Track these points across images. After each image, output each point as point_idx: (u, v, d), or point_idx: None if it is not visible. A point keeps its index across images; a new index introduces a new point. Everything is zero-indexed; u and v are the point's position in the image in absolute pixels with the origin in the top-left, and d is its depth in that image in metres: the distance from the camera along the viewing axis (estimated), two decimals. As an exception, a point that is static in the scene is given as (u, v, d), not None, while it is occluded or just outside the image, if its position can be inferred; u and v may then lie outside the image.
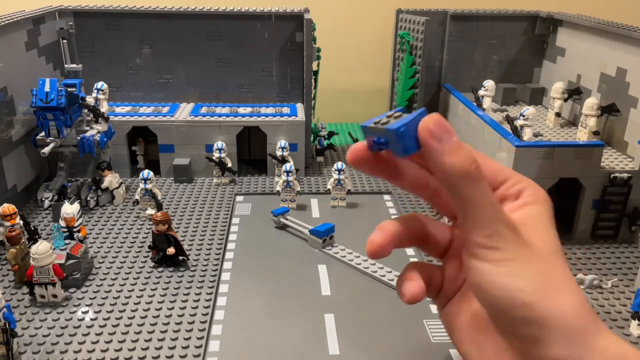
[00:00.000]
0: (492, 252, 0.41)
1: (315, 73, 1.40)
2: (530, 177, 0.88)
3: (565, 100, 1.30)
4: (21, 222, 0.91)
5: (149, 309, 0.80)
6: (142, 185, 1.08)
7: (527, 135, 1.09)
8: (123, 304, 0.82)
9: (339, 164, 1.14)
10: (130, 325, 0.77)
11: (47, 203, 1.12)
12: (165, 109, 1.34)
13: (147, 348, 0.72)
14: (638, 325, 0.77)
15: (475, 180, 0.40)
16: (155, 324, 0.77)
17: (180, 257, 0.92)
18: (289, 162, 1.22)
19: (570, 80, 1.34)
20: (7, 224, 0.88)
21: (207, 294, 0.84)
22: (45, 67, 1.27)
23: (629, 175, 0.98)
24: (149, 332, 0.75)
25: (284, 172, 1.12)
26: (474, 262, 0.41)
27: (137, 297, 0.83)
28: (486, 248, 0.40)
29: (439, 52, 1.46)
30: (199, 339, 0.74)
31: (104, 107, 1.17)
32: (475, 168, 0.40)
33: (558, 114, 1.31)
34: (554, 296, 0.39)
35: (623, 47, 1.13)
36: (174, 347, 0.72)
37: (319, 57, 1.37)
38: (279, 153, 1.25)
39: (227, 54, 1.39)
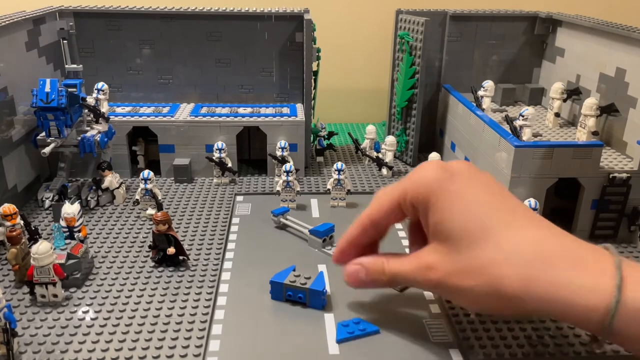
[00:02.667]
0: (432, 272, 0.64)
1: (315, 73, 1.41)
2: (529, 177, 0.95)
3: (565, 100, 1.31)
4: (22, 222, 0.91)
5: (149, 309, 0.81)
6: (142, 185, 1.09)
7: (526, 135, 1.09)
8: (123, 304, 0.82)
9: (338, 164, 1.14)
10: (130, 324, 0.77)
11: (47, 203, 1.12)
12: (166, 109, 1.35)
13: (148, 347, 0.72)
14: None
15: (377, 281, 0.72)
16: (156, 323, 0.77)
17: (181, 257, 0.92)
18: (289, 162, 1.22)
19: (570, 80, 1.34)
20: (8, 223, 0.88)
21: (207, 293, 0.84)
22: (46, 68, 1.27)
23: (628, 175, 0.98)
24: (149, 332, 0.75)
25: (284, 172, 1.12)
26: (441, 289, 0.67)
27: (138, 296, 0.84)
28: (427, 277, 0.65)
29: (439, 52, 1.46)
30: (199, 338, 0.74)
31: (104, 108, 1.17)
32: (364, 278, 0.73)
33: (557, 114, 1.31)
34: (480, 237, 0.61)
35: (622, 47, 1.14)
36: (174, 347, 0.72)
37: (319, 58, 1.37)
38: (279, 153, 1.26)
39: (227, 55, 1.39)
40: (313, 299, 0.80)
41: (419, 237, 0.72)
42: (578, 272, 0.56)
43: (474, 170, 0.67)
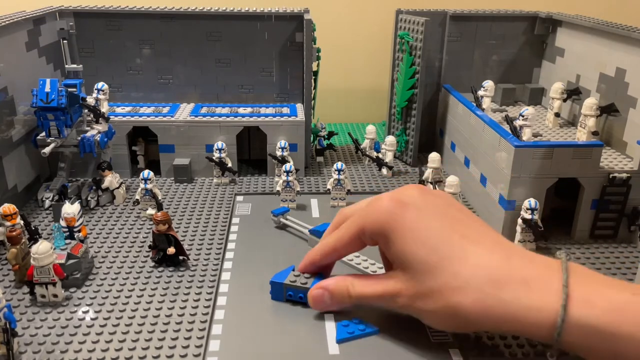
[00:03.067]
0: (399, 299, 0.70)
1: (315, 73, 1.41)
2: (529, 177, 0.95)
3: (565, 100, 1.31)
4: (22, 222, 0.91)
5: (149, 309, 0.81)
6: (142, 185, 1.09)
7: (526, 135, 1.09)
8: (123, 304, 0.82)
9: (338, 164, 1.14)
10: (130, 324, 0.77)
11: (47, 203, 1.12)
12: (166, 109, 1.35)
13: (148, 347, 0.72)
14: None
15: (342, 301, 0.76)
16: (156, 323, 0.77)
17: (181, 257, 0.92)
18: (289, 162, 1.22)
19: (570, 80, 1.34)
20: (8, 223, 0.88)
21: (207, 293, 0.84)
22: (46, 68, 1.27)
23: (628, 175, 0.99)
24: (149, 332, 0.75)
25: (284, 172, 1.12)
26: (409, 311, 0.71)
27: (138, 296, 0.84)
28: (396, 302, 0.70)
29: (439, 52, 1.46)
30: (199, 338, 0.74)
31: (104, 108, 1.17)
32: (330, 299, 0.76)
33: (557, 114, 1.31)
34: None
35: (622, 47, 1.14)
36: (174, 347, 0.72)
37: (319, 58, 1.37)
38: (279, 153, 1.26)
39: (227, 55, 1.39)
40: None
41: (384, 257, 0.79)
42: (526, 291, 0.61)
43: (425, 197, 0.71)
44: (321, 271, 0.81)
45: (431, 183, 1.16)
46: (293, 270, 0.83)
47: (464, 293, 0.63)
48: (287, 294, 0.81)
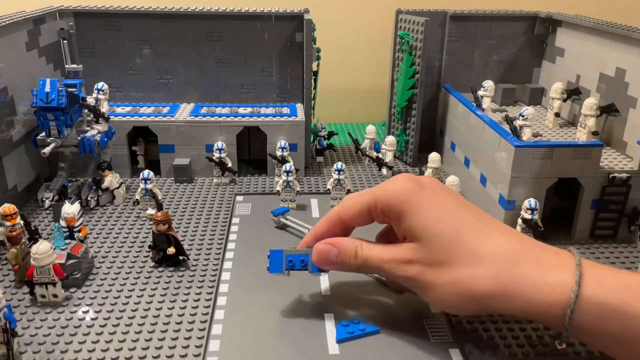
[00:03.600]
0: (410, 267, 0.68)
1: (315, 73, 1.41)
2: (529, 177, 0.95)
3: (565, 100, 1.31)
4: (22, 222, 0.91)
5: (149, 309, 0.81)
6: (142, 185, 1.09)
7: (526, 135, 1.09)
8: (123, 304, 0.82)
9: (338, 164, 1.14)
10: (130, 324, 0.77)
11: (47, 203, 1.12)
12: (166, 109, 1.35)
13: (148, 347, 0.72)
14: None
15: (351, 262, 0.73)
16: (156, 323, 0.77)
17: (181, 257, 0.92)
18: (289, 162, 1.22)
19: (570, 80, 1.34)
20: (8, 223, 0.88)
21: (207, 293, 0.84)
22: (46, 68, 1.27)
23: (628, 175, 0.99)
24: (149, 332, 0.75)
25: (284, 172, 1.12)
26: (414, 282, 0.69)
27: (137, 296, 0.84)
28: (404, 271, 0.69)
29: (439, 52, 1.46)
30: (199, 338, 0.74)
31: (104, 108, 1.17)
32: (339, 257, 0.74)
33: (557, 114, 1.31)
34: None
35: (622, 47, 1.14)
36: (174, 347, 0.72)
37: (319, 58, 1.37)
38: (279, 153, 1.26)
39: (227, 55, 1.39)
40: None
41: (384, 239, 0.78)
42: (541, 269, 0.62)
43: (440, 184, 0.73)
44: None
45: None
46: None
47: (479, 267, 0.63)
48: (287, 262, 0.77)
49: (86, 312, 0.80)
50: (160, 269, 0.91)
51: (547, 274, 0.61)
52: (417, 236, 0.68)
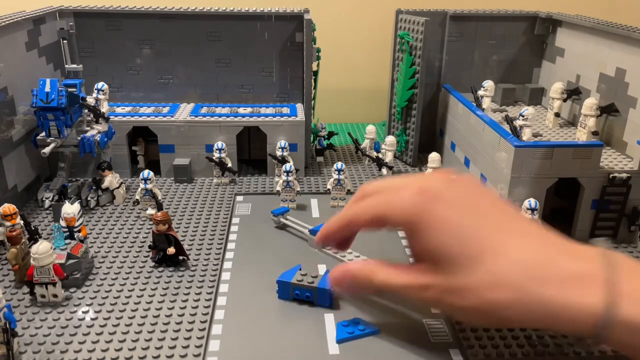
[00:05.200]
0: (428, 292, 0.64)
1: (315, 73, 1.41)
2: (529, 177, 0.95)
3: (565, 100, 1.31)
4: (22, 222, 0.91)
5: (149, 309, 0.81)
6: (142, 185, 1.09)
7: (526, 135, 1.09)
8: (123, 304, 0.82)
9: (338, 164, 1.14)
10: (130, 325, 0.77)
11: (47, 203, 1.12)
12: (166, 109, 1.35)
13: (147, 348, 0.72)
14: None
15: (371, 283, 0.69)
16: (156, 323, 0.77)
17: (181, 257, 0.92)
18: (289, 162, 1.22)
19: (570, 80, 1.34)
20: (8, 223, 0.88)
21: (207, 293, 0.84)
22: (46, 68, 1.27)
23: (628, 175, 0.98)
24: (149, 332, 0.75)
25: (284, 172, 1.12)
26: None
27: (137, 296, 0.84)
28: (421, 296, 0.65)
29: (439, 52, 1.46)
30: (199, 338, 0.74)
31: (104, 108, 1.17)
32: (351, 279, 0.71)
33: (557, 114, 1.31)
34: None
35: (622, 47, 1.14)
36: (174, 347, 0.72)
37: (319, 58, 1.37)
38: (279, 153, 1.26)
39: (227, 54, 1.39)
40: (321, 297, 0.80)
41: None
42: (566, 289, 0.57)
43: (453, 188, 0.66)
44: (339, 243, 0.78)
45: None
46: (300, 269, 0.83)
47: (501, 290, 0.59)
48: (294, 293, 0.81)
49: (86, 312, 0.80)
50: (160, 269, 0.91)
51: (573, 293, 0.56)
52: (433, 258, 0.64)
